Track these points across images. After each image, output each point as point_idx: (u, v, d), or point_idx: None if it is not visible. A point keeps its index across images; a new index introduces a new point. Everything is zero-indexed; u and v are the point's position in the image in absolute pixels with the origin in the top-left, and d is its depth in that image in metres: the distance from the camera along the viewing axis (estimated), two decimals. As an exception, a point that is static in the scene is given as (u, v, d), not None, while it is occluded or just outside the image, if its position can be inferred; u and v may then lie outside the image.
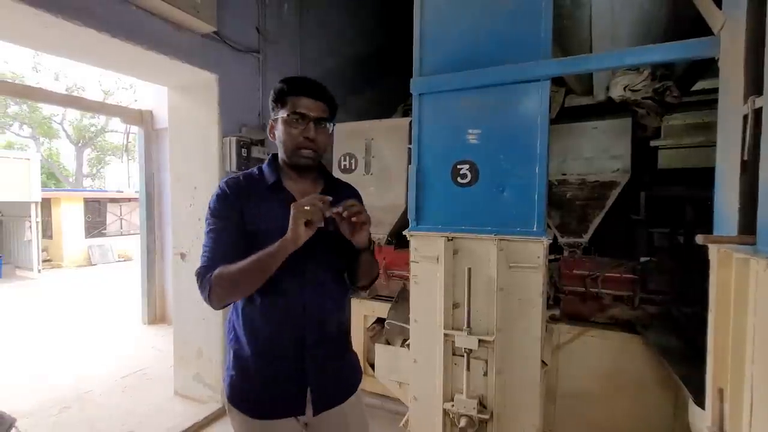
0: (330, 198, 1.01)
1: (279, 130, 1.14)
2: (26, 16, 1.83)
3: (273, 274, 1.03)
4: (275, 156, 1.22)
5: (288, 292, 1.11)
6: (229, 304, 1.12)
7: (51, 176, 18.24)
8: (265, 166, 1.20)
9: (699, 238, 1.17)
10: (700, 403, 1.47)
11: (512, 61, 1.82)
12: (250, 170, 1.22)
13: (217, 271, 1.03)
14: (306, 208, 0.97)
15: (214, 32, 2.60)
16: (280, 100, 1.13)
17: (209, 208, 1.13)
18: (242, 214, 1.10)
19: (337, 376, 1.22)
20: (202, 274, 1.07)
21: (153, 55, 2.31)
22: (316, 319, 1.15)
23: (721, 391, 1.30)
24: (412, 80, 2.03)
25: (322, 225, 1.02)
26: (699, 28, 1.57)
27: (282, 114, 1.11)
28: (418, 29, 2.04)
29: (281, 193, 1.15)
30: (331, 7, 3.95)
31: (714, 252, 1.35)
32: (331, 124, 1.17)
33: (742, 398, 1.18)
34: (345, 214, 1.02)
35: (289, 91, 1.11)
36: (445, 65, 1.98)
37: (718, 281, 1.32)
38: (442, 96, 1.99)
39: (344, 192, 1.27)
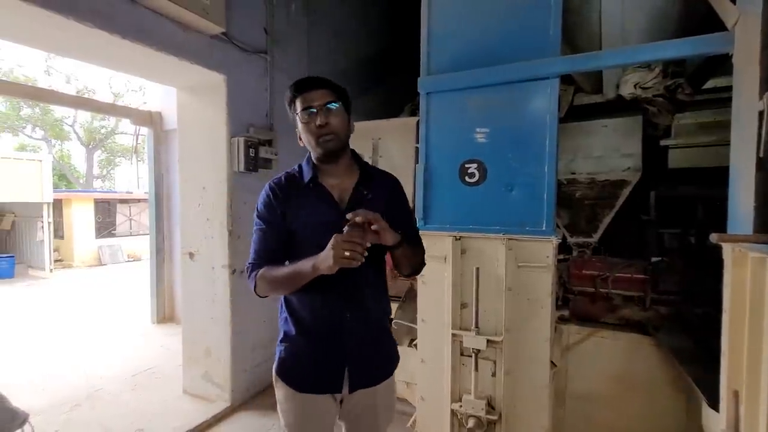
0: (359, 225, 1.03)
1: (301, 132, 1.21)
2: (38, 18, 1.85)
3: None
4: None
5: (326, 276, 1.12)
6: None
7: (62, 177, 18.53)
8: (304, 163, 1.27)
9: (713, 237, 1.14)
10: (714, 405, 1.44)
11: (521, 59, 1.80)
12: (292, 168, 1.29)
13: (261, 272, 1.18)
14: (347, 254, 0.99)
15: (223, 33, 2.61)
16: (291, 106, 1.20)
17: (257, 209, 1.25)
18: (284, 215, 1.21)
19: (375, 357, 1.27)
20: (250, 270, 1.23)
21: (162, 56, 2.33)
22: (355, 300, 1.21)
23: (736, 393, 1.27)
24: (419, 79, 2.03)
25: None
26: (712, 23, 1.55)
27: (296, 117, 1.19)
28: (425, 28, 2.04)
29: (317, 188, 1.22)
30: (339, 8, 3.96)
31: (729, 251, 1.33)
32: (340, 104, 1.19)
33: (758, 400, 1.15)
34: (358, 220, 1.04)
35: (294, 93, 1.18)
36: (452, 64, 1.97)
37: (733, 281, 1.30)
38: (449, 95, 1.98)
39: (379, 180, 1.30)
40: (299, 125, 1.20)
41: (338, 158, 1.22)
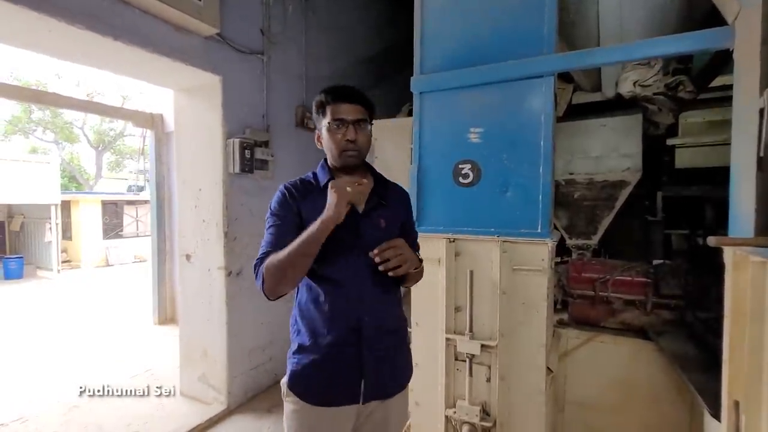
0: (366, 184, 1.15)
1: (324, 138, 1.22)
2: (28, 20, 1.84)
3: (326, 266, 1.15)
4: (326, 160, 1.28)
5: (342, 283, 1.17)
6: (283, 295, 1.15)
7: (72, 179, 18.76)
8: (318, 169, 1.28)
9: (711, 240, 1.09)
10: (716, 414, 1.39)
11: (515, 57, 1.76)
12: (306, 175, 1.29)
13: (267, 261, 1.11)
14: (349, 189, 1.07)
15: (217, 34, 2.60)
16: (320, 110, 1.21)
17: (270, 208, 1.23)
18: (299, 212, 1.19)
19: (393, 367, 1.26)
20: (257, 266, 1.15)
21: (156, 58, 2.32)
22: (373, 309, 1.20)
23: (736, 404, 1.22)
24: (412, 79, 2.00)
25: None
26: (714, 18, 1.50)
27: (324, 123, 1.19)
28: (419, 27, 2.01)
29: None
30: (336, 8, 3.94)
31: (729, 254, 1.28)
32: (370, 124, 1.23)
33: (760, 411, 1.10)
34: (378, 261, 1.10)
35: (327, 100, 1.19)
36: (446, 63, 1.93)
37: (734, 285, 1.25)
38: (443, 94, 1.94)
39: (393, 192, 1.33)
40: (324, 131, 1.20)
41: (355, 170, 1.25)
